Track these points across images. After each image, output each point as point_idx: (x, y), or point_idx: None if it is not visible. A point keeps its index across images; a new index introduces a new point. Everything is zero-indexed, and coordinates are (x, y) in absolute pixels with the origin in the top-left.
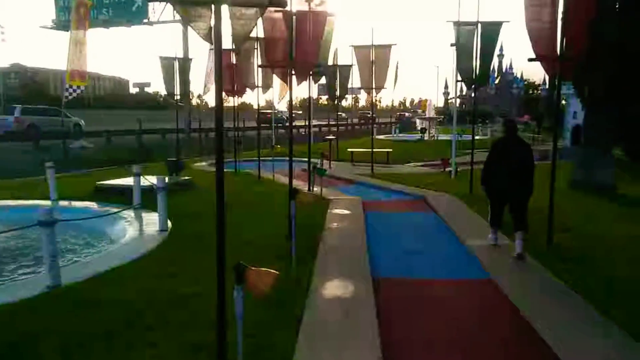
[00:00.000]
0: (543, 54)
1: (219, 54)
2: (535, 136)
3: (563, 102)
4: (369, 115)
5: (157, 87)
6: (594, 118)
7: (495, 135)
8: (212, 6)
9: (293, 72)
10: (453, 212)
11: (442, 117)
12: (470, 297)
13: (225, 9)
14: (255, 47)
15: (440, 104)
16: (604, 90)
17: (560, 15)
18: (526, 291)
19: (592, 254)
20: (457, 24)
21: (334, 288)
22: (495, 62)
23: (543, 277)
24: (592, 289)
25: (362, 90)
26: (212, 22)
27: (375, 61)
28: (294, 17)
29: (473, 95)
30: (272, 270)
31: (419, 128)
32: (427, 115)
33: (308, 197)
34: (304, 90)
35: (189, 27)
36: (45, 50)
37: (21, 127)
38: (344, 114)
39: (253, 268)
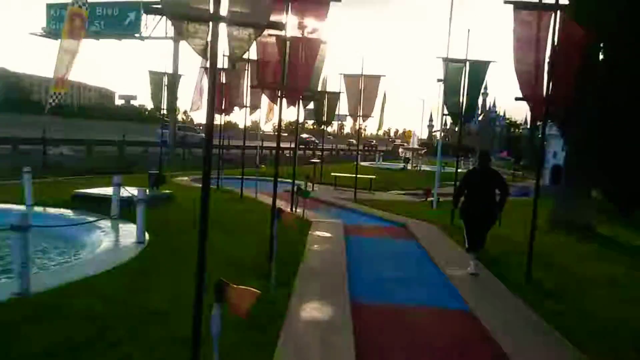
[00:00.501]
0: (529, 95)
1: (214, 70)
2: (515, 172)
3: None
4: (372, 143)
5: (144, 100)
6: (576, 158)
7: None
8: (210, 23)
9: (284, 95)
10: (434, 241)
11: (426, 149)
12: (448, 328)
13: (222, 28)
14: (246, 68)
15: (424, 136)
16: (585, 135)
17: (547, 60)
18: (505, 325)
19: (570, 292)
20: (446, 61)
21: (312, 312)
22: (479, 99)
23: (521, 311)
24: (569, 325)
25: (348, 118)
26: (209, 39)
27: (363, 90)
28: (288, 42)
29: (458, 129)
30: (253, 289)
31: (402, 157)
32: (410, 146)
33: (290, 218)
34: (291, 113)
35: (183, 42)
36: (34, 57)
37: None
38: (353, 141)
39: (234, 286)
